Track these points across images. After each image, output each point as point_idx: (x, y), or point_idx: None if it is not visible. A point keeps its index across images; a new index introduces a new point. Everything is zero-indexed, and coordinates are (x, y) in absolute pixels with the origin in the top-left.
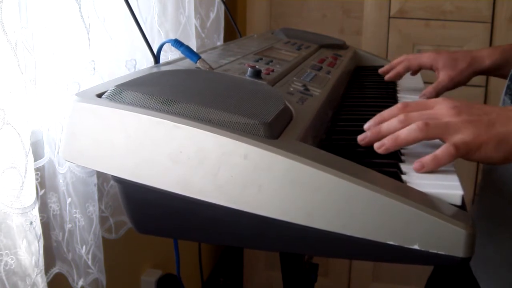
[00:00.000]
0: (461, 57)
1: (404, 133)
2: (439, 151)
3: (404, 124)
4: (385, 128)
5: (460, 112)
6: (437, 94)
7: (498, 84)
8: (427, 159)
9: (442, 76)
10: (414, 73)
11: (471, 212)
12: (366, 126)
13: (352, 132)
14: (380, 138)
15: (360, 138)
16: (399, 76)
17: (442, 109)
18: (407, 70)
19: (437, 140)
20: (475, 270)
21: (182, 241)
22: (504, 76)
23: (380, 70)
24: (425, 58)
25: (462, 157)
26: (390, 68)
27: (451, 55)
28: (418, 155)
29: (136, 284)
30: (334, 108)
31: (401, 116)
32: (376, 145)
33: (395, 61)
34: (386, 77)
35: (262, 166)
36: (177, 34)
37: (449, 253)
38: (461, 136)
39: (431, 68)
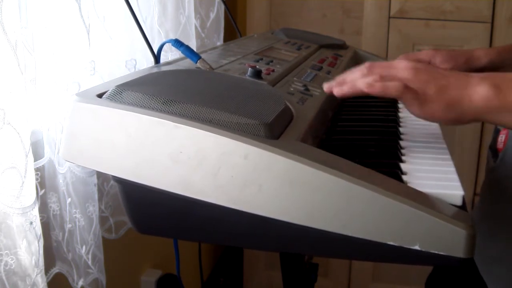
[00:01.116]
0: (459, 54)
1: (363, 81)
2: (391, 83)
3: (366, 75)
4: (349, 78)
5: (419, 72)
6: None
7: None
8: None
9: None
10: None
11: (474, 212)
12: (327, 85)
13: (352, 132)
14: (343, 84)
15: (326, 86)
16: None
17: (402, 68)
18: None
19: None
20: (482, 270)
21: (182, 241)
22: None
23: None
24: (423, 54)
25: (410, 106)
26: None
27: (449, 52)
28: (418, 155)
29: (136, 284)
30: (334, 108)
31: (364, 69)
32: (334, 89)
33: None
34: None
35: (262, 166)
36: (177, 34)
37: (449, 254)
38: (413, 85)
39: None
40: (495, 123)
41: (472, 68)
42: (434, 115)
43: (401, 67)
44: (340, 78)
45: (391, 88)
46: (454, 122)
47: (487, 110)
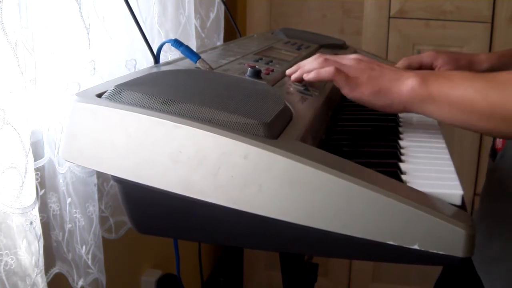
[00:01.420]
0: (461, 57)
1: (309, 64)
2: (325, 68)
3: (318, 62)
4: (303, 63)
5: (360, 62)
6: None
7: None
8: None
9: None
10: None
11: (475, 212)
12: (289, 70)
13: (352, 132)
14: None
15: (288, 71)
16: None
17: (349, 59)
18: (406, 68)
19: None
20: (479, 269)
21: (182, 241)
22: None
23: None
24: (425, 56)
25: (341, 87)
26: None
27: (451, 55)
28: (417, 155)
29: (136, 284)
30: (334, 108)
31: (318, 57)
32: (288, 71)
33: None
34: None
35: (262, 166)
36: (177, 34)
37: (448, 253)
38: (347, 70)
39: (431, 67)
40: (422, 114)
41: (474, 71)
42: (362, 98)
43: (347, 57)
44: (298, 64)
45: (323, 72)
46: (382, 109)
47: (412, 100)
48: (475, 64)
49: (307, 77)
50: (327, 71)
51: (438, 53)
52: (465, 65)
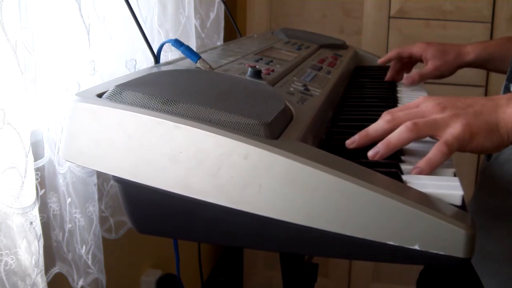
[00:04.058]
0: (449, 49)
1: (395, 136)
2: (431, 153)
3: (391, 124)
4: (372, 130)
5: (445, 108)
6: (421, 79)
7: (498, 84)
8: (422, 163)
9: (430, 65)
10: (406, 67)
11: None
12: (349, 141)
13: (352, 132)
14: (368, 140)
15: (348, 142)
16: (389, 60)
17: (427, 106)
18: (397, 55)
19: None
20: (476, 266)
21: (182, 241)
22: (491, 70)
23: (379, 61)
24: (416, 47)
25: (457, 150)
26: (386, 59)
27: (440, 47)
28: (418, 155)
29: (136, 284)
30: (334, 108)
31: (387, 116)
32: (370, 154)
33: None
34: (378, 62)
35: (262, 166)
36: (177, 34)
37: (449, 253)
38: (451, 131)
39: (420, 58)
40: None
41: (461, 63)
42: (483, 147)
43: (425, 106)
44: (361, 132)
45: (436, 156)
46: (498, 148)
47: None
48: (462, 55)
49: (422, 173)
50: (440, 152)
51: (428, 45)
52: (454, 58)
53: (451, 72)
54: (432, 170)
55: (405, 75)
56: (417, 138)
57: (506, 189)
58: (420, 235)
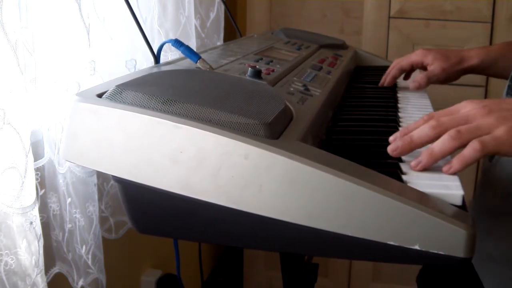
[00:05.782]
0: (452, 54)
1: (438, 145)
2: (465, 150)
3: (436, 130)
4: (416, 136)
5: (491, 111)
6: (428, 81)
7: (498, 84)
8: (454, 160)
9: (435, 66)
10: (407, 75)
11: (470, 209)
12: (391, 138)
13: (352, 132)
14: (412, 147)
15: (391, 148)
16: (395, 79)
17: (472, 110)
18: (400, 71)
19: None
20: (476, 266)
21: (182, 241)
22: (493, 75)
23: (380, 84)
24: (414, 55)
25: (493, 153)
26: (391, 79)
27: (441, 51)
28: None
29: (136, 284)
30: (334, 108)
31: (432, 122)
32: (412, 164)
33: (388, 69)
34: (384, 84)
35: (262, 166)
36: (177, 34)
37: (449, 253)
38: (495, 133)
39: (422, 65)
40: None
41: (465, 68)
42: None
43: (469, 110)
44: (405, 137)
45: (469, 154)
46: None
47: None
48: (466, 60)
49: (450, 171)
50: (473, 149)
51: (428, 51)
52: (456, 62)
53: (457, 77)
54: (463, 167)
55: (410, 81)
56: (461, 146)
57: (508, 190)
58: (420, 235)
